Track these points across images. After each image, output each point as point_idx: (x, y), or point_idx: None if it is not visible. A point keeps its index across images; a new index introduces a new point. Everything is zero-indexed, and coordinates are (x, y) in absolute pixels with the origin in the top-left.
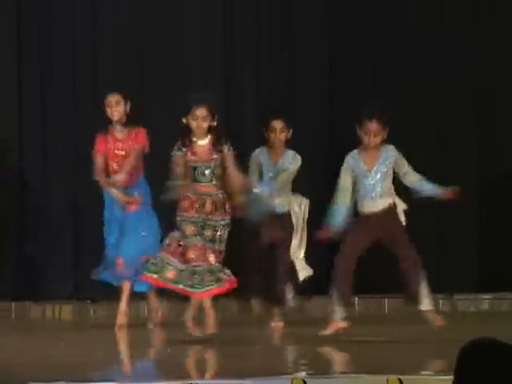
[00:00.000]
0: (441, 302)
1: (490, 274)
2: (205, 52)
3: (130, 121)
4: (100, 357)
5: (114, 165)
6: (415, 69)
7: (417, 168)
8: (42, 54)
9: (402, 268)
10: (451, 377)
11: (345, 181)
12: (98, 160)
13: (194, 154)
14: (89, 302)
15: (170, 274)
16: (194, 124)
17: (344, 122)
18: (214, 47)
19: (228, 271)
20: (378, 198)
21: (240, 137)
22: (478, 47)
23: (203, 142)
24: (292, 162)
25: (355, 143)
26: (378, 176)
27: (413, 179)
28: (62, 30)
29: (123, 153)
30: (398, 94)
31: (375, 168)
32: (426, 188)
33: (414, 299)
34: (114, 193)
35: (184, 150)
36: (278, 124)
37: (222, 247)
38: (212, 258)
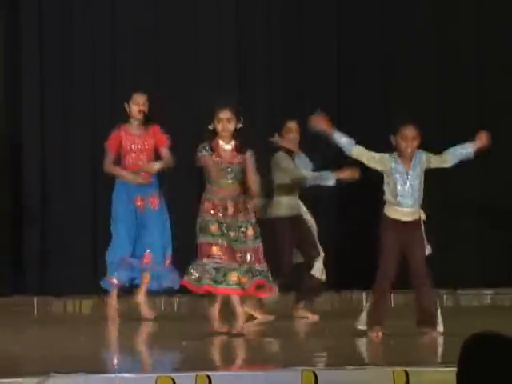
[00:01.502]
0: (444, 296)
1: (492, 270)
2: (218, 53)
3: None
4: (118, 349)
5: (130, 159)
6: (422, 76)
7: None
8: (61, 56)
9: (413, 284)
10: (455, 368)
11: (374, 155)
12: (110, 154)
13: (218, 156)
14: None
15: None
16: (219, 126)
17: (352, 123)
18: (226, 48)
19: (257, 277)
20: (411, 208)
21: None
22: (481, 54)
23: (228, 147)
24: (307, 165)
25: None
26: (415, 181)
27: (449, 156)
28: (82, 34)
29: (139, 147)
30: (404, 96)
31: (412, 172)
32: (463, 152)
33: (429, 323)
34: (129, 177)
35: (210, 152)
36: (293, 125)
37: (256, 244)
38: (237, 259)
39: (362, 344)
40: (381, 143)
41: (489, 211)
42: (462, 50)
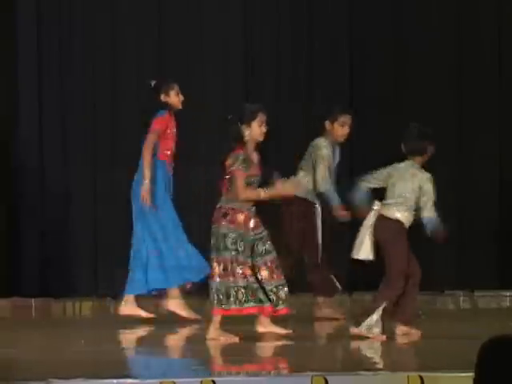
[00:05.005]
0: (462, 298)
1: (511, 271)
2: (224, 43)
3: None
4: (119, 353)
5: (173, 146)
6: (437, 67)
7: (437, 166)
8: (61, 53)
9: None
10: (472, 374)
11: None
12: (153, 137)
13: (252, 167)
14: (109, 298)
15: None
16: (259, 130)
17: (365, 122)
18: (233, 40)
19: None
20: None
21: None
22: (500, 47)
23: (256, 156)
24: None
25: (373, 144)
26: None
27: None
28: (81, 49)
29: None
30: (420, 86)
31: None
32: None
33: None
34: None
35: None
36: (347, 119)
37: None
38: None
39: (375, 348)
40: (393, 134)
41: (506, 212)
42: (480, 47)
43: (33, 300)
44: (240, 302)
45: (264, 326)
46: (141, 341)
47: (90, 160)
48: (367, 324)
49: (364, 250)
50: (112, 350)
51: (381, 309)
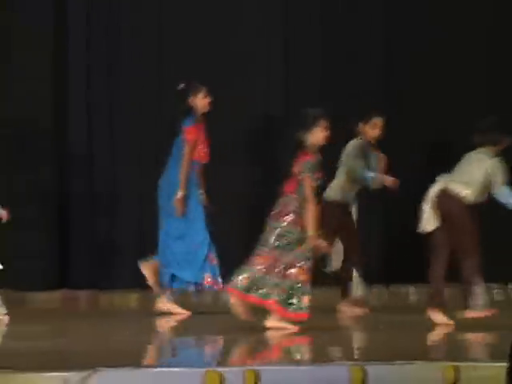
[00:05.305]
0: (495, 291)
1: None
2: (265, 46)
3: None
4: (166, 343)
5: (206, 148)
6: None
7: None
8: (108, 52)
9: None
10: (506, 363)
11: None
12: (191, 149)
13: (318, 170)
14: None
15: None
16: (322, 135)
17: (400, 119)
18: (273, 44)
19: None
20: None
21: None
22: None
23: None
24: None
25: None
26: None
27: None
28: (129, 44)
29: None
30: (453, 85)
31: None
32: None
33: None
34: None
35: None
36: (379, 121)
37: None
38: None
39: (411, 338)
40: (432, 141)
41: None
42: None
43: (81, 292)
44: (260, 293)
45: (271, 321)
46: (185, 330)
47: (137, 154)
48: (481, 304)
49: (428, 222)
50: (158, 339)
51: (479, 283)
